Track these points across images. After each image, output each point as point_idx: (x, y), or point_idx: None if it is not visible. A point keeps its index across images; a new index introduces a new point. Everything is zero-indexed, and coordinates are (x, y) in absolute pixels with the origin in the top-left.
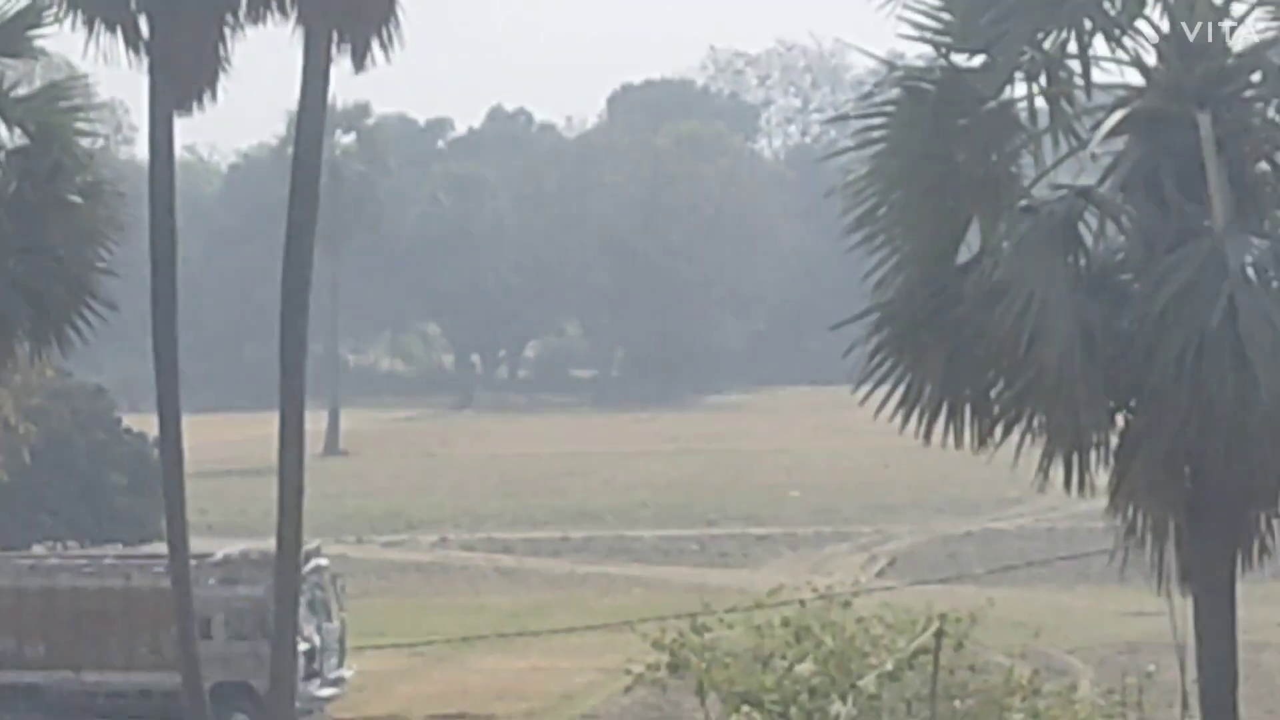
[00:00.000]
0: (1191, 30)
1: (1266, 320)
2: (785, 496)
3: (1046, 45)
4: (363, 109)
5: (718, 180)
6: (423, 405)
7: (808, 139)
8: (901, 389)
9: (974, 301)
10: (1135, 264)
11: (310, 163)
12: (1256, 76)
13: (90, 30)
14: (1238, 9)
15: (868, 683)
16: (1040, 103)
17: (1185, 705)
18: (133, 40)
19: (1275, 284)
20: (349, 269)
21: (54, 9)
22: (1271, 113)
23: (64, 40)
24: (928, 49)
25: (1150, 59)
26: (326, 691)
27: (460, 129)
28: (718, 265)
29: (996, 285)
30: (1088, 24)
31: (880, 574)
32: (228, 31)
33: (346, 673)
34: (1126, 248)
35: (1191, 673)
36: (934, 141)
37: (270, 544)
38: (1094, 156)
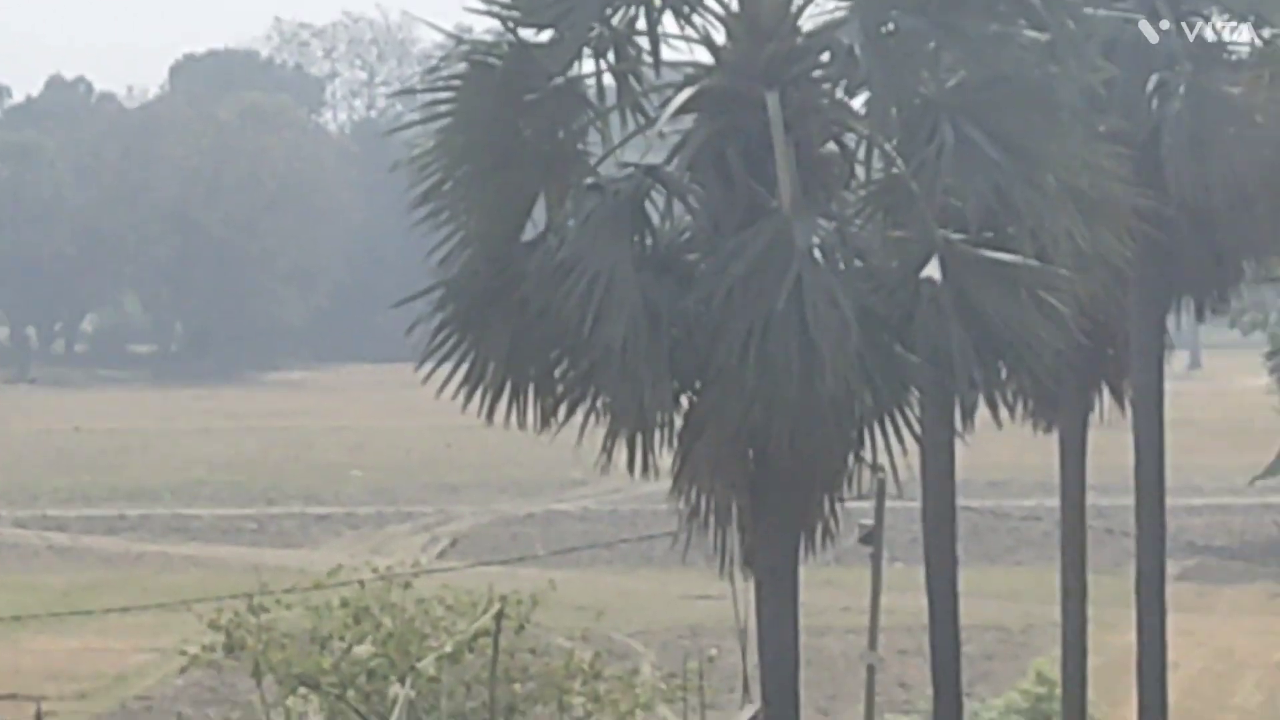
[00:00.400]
0: (760, 9)
1: (832, 302)
2: (346, 475)
3: (615, 21)
4: None
5: (282, 153)
6: None
7: (373, 113)
8: (465, 367)
9: (539, 280)
10: (702, 244)
11: None
12: (825, 57)
13: None
14: None
15: (427, 665)
16: (608, 79)
17: (746, 689)
18: None
19: (841, 265)
20: None
21: None
22: (840, 93)
23: None
24: (496, 23)
25: (720, 37)
26: None
27: (18, 97)
28: (281, 240)
29: (561, 263)
30: (656, 1)
31: (441, 555)
32: None
33: None
34: (693, 227)
35: (753, 657)
36: (500, 117)
37: None
38: (662, 135)
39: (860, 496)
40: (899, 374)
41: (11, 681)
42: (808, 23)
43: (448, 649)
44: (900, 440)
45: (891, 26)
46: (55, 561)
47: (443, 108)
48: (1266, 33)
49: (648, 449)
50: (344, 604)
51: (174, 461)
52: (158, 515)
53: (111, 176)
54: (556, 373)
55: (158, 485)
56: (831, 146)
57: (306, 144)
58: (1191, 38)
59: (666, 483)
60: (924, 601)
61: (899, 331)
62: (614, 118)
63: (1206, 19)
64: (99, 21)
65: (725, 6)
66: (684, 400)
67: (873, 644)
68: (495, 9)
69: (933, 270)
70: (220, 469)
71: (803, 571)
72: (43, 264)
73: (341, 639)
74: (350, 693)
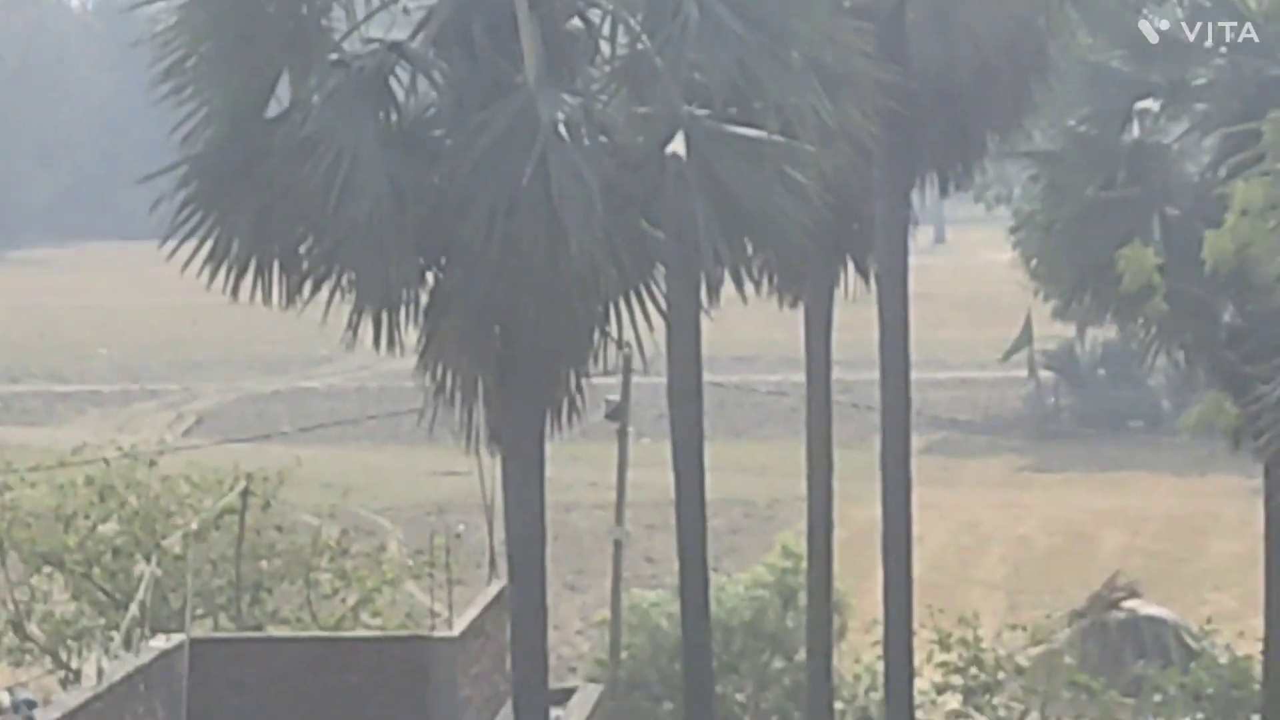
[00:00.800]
0: None
1: (577, 177)
2: (92, 353)
3: None
4: None
5: (24, 30)
6: None
7: None
8: (210, 244)
9: (284, 156)
10: (448, 120)
11: None
12: None
13: None
14: None
15: (172, 543)
16: None
17: (493, 564)
18: None
19: (587, 142)
20: None
21: None
22: None
23: None
24: None
25: None
26: None
27: None
28: (23, 118)
29: (306, 140)
30: None
31: (187, 433)
32: None
33: None
34: (439, 103)
35: (500, 533)
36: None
37: None
38: (406, 10)
39: (607, 372)
40: (645, 250)
41: None
42: None
43: (193, 527)
44: (646, 316)
45: None
46: None
47: None
48: None
49: (394, 325)
50: (89, 482)
51: None
52: None
53: None
54: (302, 249)
55: None
56: (576, 22)
57: (49, 20)
58: None
59: (412, 359)
60: (670, 477)
61: (644, 207)
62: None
63: None
64: None
65: None
66: (430, 277)
67: (619, 519)
68: None
69: (678, 146)
70: None
71: (549, 447)
72: None
73: (87, 517)
74: (96, 570)
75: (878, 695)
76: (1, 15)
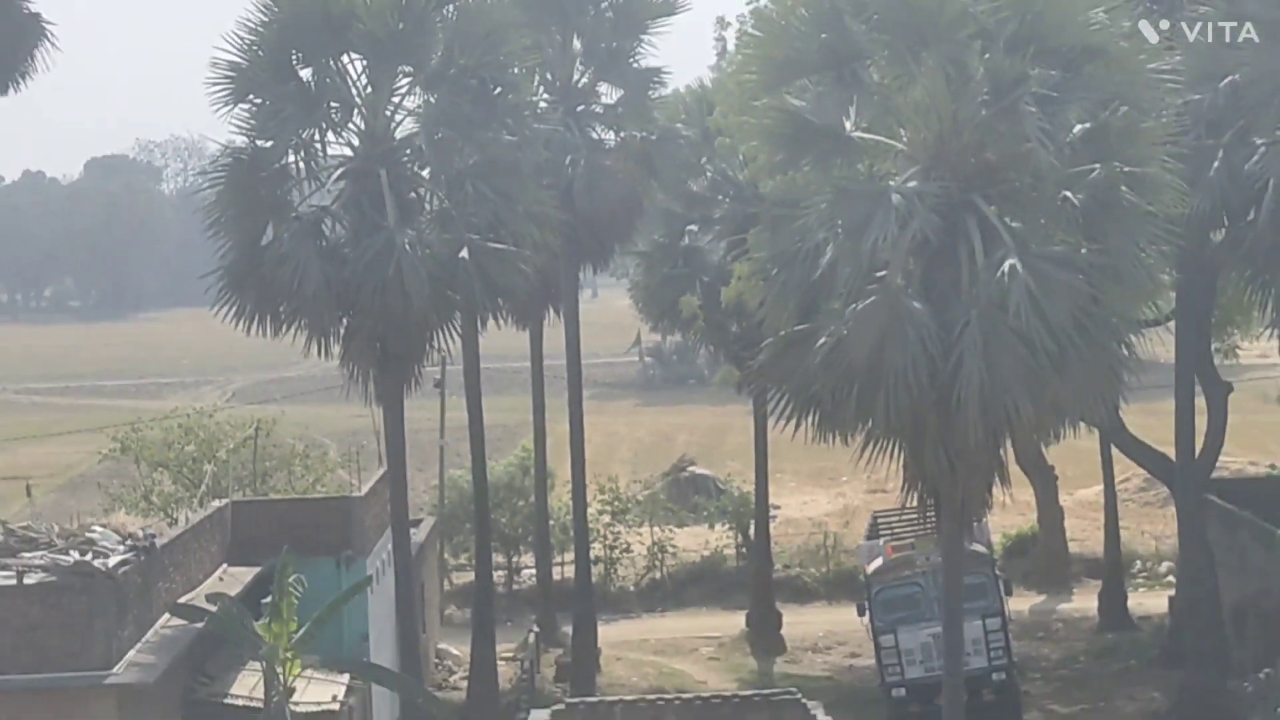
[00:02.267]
0: (376, 128)
1: (415, 271)
2: (180, 361)
3: (303, 135)
4: None
5: (136, 193)
6: None
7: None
8: (234, 308)
9: (270, 265)
10: (350, 243)
11: None
12: (409, 150)
13: None
14: None
15: (221, 454)
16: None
17: (380, 462)
18: None
19: (419, 253)
20: None
21: None
22: (416, 168)
23: None
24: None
25: (355, 140)
26: None
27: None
28: (135, 236)
29: (282, 256)
30: (324, 125)
31: (228, 400)
32: None
33: None
34: (347, 235)
35: (383, 446)
36: (248, 183)
37: None
38: (329, 191)
39: (433, 365)
40: (449, 304)
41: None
42: (399, 132)
43: (230, 446)
44: (451, 336)
45: (439, 135)
46: None
47: (220, 179)
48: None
49: (327, 344)
50: (180, 425)
51: None
52: None
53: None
54: (281, 309)
55: None
56: (413, 195)
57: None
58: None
59: (337, 360)
60: (466, 415)
61: (449, 284)
62: (305, 183)
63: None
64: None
65: (357, 127)
66: (345, 320)
67: (441, 435)
68: (244, 128)
69: (464, 253)
70: None
71: (406, 402)
72: None
73: (179, 443)
74: (183, 469)
75: (569, 518)
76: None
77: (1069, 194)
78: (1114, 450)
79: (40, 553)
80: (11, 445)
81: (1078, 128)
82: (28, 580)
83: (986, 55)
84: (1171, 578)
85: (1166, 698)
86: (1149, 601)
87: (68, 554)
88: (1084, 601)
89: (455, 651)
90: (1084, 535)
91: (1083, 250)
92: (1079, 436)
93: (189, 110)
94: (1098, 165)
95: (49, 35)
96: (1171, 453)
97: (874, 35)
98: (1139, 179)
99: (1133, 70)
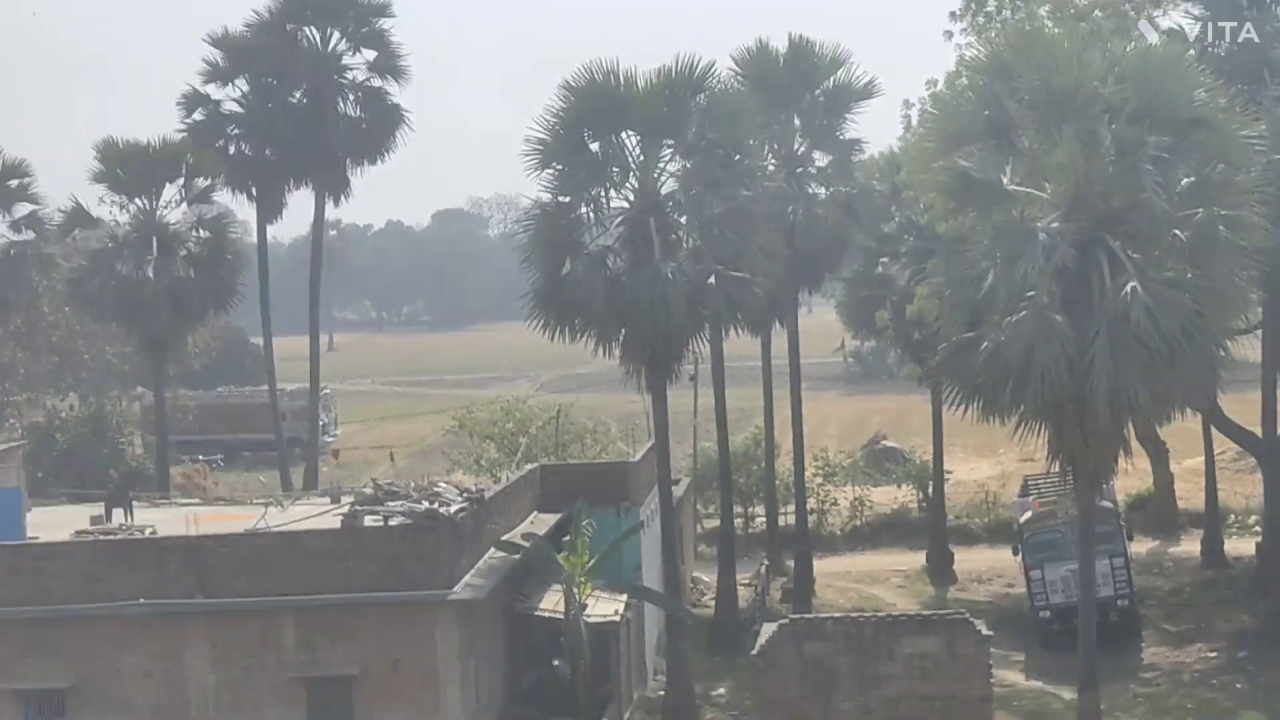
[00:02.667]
0: (645, 184)
1: (679, 289)
2: (498, 362)
3: (593, 192)
4: None
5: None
6: None
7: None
8: (542, 321)
9: (569, 286)
10: (627, 271)
11: None
12: (671, 202)
13: None
14: None
15: (533, 430)
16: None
17: (650, 436)
18: None
19: (680, 279)
20: None
21: None
22: (676, 215)
23: None
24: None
25: (631, 195)
26: None
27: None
28: (465, 266)
29: (574, 281)
30: (606, 184)
31: (537, 390)
32: None
33: None
34: (624, 265)
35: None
36: (555, 232)
37: None
38: (612, 231)
39: (689, 364)
40: (704, 313)
41: (383, 441)
42: (664, 189)
43: (540, 424)
44: (701, 340)
45: (693, 191)
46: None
47: (530, 226)
48: None
49: (608, 346)
50: (503, 408)
51: None
52: None
53: None
54: (577, 322)
55: None
56: (673, 236)
57: (483, 241)
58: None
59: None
60: (712, 400)
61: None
62: (593, 228)
63: None
64: None
65: (632, 185)
66: (622, 329)
67: (695, 415)
68: (549, 187)
69: (712, 279)
70: None
71: (670, 391)
72: None
73: (499, 420)
74: (504, 441)
75: (791, 479)
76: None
77: (1178, 232)
78: (1213, 429)
79: (400, 502)
80: (379, 423)
81: (1185, 181)
82: (392, 523)
83: (1113, 125)
84: (1258, 527)
85: (1254, 619)
86: (1240, 546)
87: (420, 503)
88: (1189, 546)
89: (705, 579)
90: (1189, 495)
91: (1188, 275)
92: (1186, 419)
93: (507, 174)
94: (1200, 210)
95: (406, 120)
96: (1259, 431)
97: (1025, 111)
98: (1233, 220)
99: (1228, 136)
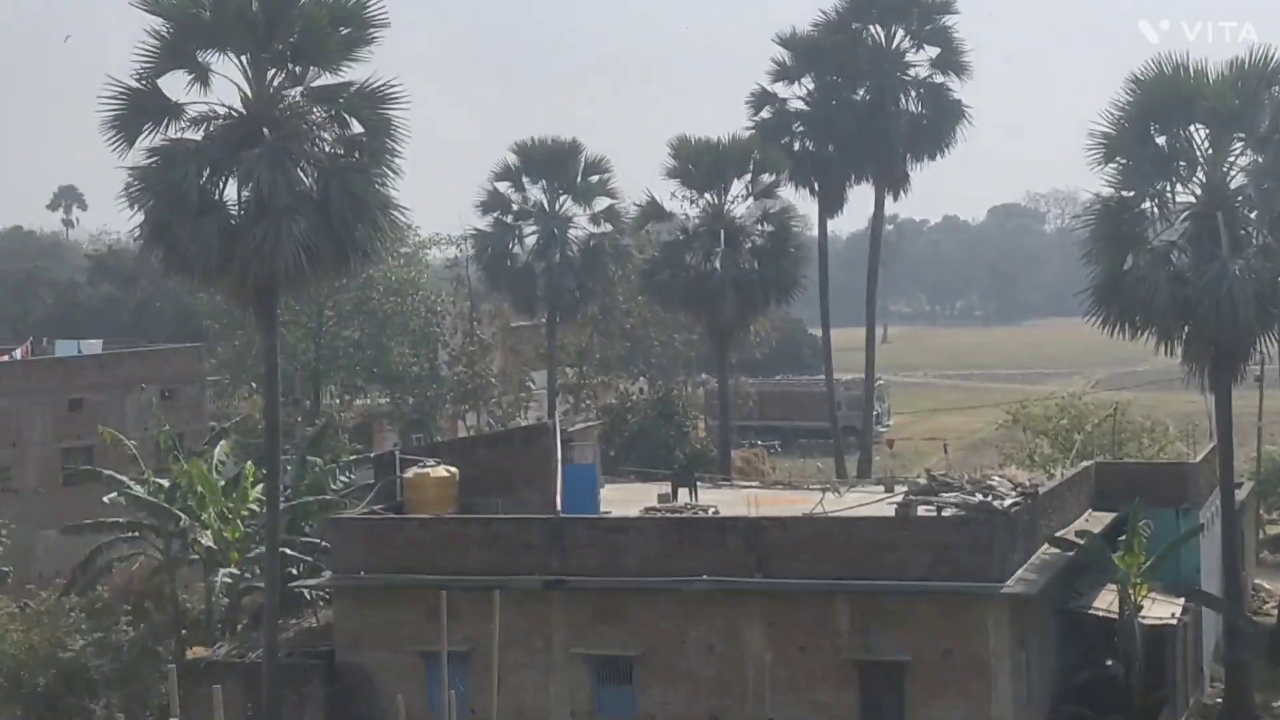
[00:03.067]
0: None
1: (1244, 286)
2: (1053, 357)
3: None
4: None
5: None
6: None
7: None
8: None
9: None
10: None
11: None
12: None
13: None
14: None
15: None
16: None
17: (1210, 438)
18: None
19: (1249, 276)
20: None
21: None
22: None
23: None
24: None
25: None
26: None
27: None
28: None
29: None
30: None
31: (1093, 387)
32: None
33: None
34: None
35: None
36: (1112, 225)
37: None
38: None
39: (1256, 364)
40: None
41: (936, 433)
42: (1233, 184)
43: (1096, 421)
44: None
45: (1265, 185)
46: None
47: (1091, 221)
48: None
49: (1170, 346)
50: (1058, 405)
51: None
52: None
53: None
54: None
55: None
56: (1242, 233)
57: (1039, 236)
58: None
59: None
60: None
61: None
62: (1157, 223)
63: None
64: None
65: (1199, 180)
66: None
67: (1261, 418)
68: (1111, 182)
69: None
70: None
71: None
72: None
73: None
74: (1056, 437)
75: None
76: None
77: None
78: None
79: (954, 494)
80: (933, 415)
81: None
82: (945, 513)
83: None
84: None
85: None
86: None
87: (974, 496)
88: None
89: (1268, 586)
90: None
91: None
92: None
93: (1064, 168)
94: None
95: (966, 115)
96: None
97: None
98: None
99: None
